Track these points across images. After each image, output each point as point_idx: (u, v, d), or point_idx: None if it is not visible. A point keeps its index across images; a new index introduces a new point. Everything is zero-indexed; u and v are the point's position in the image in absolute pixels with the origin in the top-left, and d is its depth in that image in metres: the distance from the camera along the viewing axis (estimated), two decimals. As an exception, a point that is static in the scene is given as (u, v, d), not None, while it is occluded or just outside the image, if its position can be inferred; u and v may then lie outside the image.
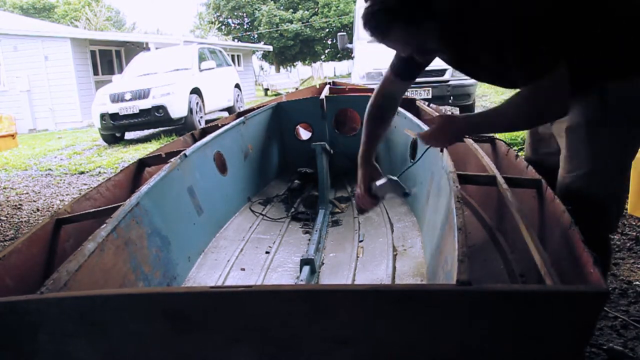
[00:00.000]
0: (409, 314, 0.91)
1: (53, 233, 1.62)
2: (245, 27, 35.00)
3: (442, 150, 1.69)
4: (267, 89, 22.40)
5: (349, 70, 29.80)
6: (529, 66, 1.22)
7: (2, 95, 13.31)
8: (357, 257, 2.28)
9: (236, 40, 30.31)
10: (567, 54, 1.25)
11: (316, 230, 2.55)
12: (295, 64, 36.26)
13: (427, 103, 3.10)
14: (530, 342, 0.89)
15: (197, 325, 0.97)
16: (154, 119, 8.22)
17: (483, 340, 0.91)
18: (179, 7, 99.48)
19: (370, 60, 6.52)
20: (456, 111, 6.74)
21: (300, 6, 32.81)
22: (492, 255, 1.66)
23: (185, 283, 1.99)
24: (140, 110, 8.15)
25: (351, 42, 9.12)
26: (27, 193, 5.11)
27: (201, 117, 8.85)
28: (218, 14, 34.41)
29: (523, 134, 3.83)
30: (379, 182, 1.59)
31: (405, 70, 1.61)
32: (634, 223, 2.76)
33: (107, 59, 15.25)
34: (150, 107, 8.12)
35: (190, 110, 8.37)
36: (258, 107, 3.66)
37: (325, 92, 4.11)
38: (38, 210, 4.39)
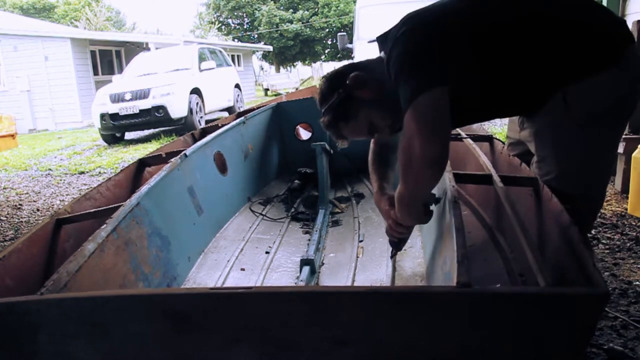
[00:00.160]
0: (409, 316, 0.91)
1: (53, 233, 1.62)
2: (245, 27, 34.99)
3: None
4: (267, 89, 22.41)
5: (349, 70, 29.61)
6: (407, 94, 1.24)
7: (2, 95, 13.31)
8: (357, 257, 2.28)
9: (236, 40, 30.31)
10: (525, 63, 1.30)
11: (316, 231, 2.55)
12: (295, 64, 36.25)
13: None
14: (531, 344, 0.89)
15: (197, 325, 0.97)
16: (154, 119, 8.21)
17: (483, 342, 0.91)
18: (179, 7, 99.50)
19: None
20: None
21: (300, 6, 32.79)
22: (492, 255, 1.66)
23: (185, 283, 1.99)
24: (140, 111, 8.15)
25: (351, 42, 9.13)
26: (27, 193, 5.11)
27: (201, 117, 8.85)
28: (218, 14, 34.40)
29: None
30: None
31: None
32: (634, 223, 2.76)
33: (107, 59, 15.26)
34: (150, 107, 8.12)
35: (190, 110, 8.37)
36: (258, 107, 3.66)
37: (325, 92, 4.10)
38: (38, 210, 4.39)
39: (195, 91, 8.70)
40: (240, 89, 11.30)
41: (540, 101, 1.36)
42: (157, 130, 9.00)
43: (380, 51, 1.47)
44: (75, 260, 1.31)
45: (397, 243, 1.68)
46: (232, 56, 18.17)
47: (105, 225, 1.54)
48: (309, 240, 2.51)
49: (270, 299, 0.96)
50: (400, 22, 1.36)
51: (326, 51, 35.07)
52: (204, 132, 2.99)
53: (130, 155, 6.92)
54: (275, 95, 16.61)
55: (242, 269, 2.23)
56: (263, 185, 3.28)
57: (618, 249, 2.45)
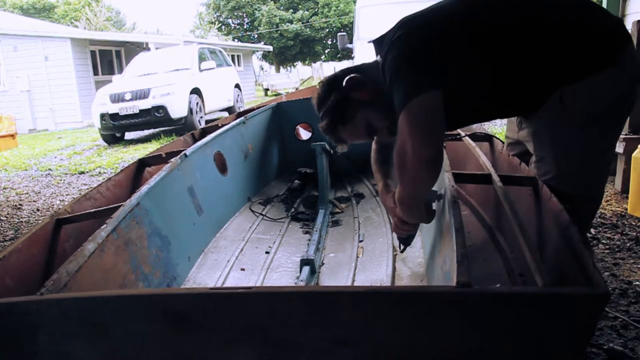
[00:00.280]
0: (409, 316, 0.91)
1: (53, 233, 1.62)
2: (245, 27, 34.99)
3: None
4: (267, 89, 22.41)
5: (349, 70, 29.62)
6: (400, 97, 1.25)
7: (2, 95, 13.32)
8: (357, 257, 2.28)
9: (236, 40, 30.30)
10: (523, 63, 1.31)
11: (316, 231, 2.55)
12: (295, 64, 36.25)
13: None
14: (531, 344, 0.89)
15: (197, 325, 0.97)
16: (154, 119, 8.21)
17: (483, 342, 0.91)
18: (179, 7, 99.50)
19: (370, 61, 6.50)
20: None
21: (300, 6, 32.79)
22: (492, 255, 1.66)
23: (185, 283, 1.99)
24: (140, 111, 8.15)
25: (351, 42, 9.12)
26: (27, 193, 5.11)
27: (201, 117, 8.85)
28: (218, 14, 34.40)
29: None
30: None
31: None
32: (634, 223, 2.76)
33: (107, 59, 15.26)
34: (150, 107, 8.12)
35: (190, 110, 8.37)
36: (258, 107, 3.66)
37: (325, 92, 4.10)
38: (38, 210, 4.39)
39: (195, 91, 8.70)
40: (240, 89, 11.30)
41: (537, 101, 1.37)
42: (157, 130, 8.99)
43: (376, 54, 1.48)
44: (75, 260, 1.31)
45: (406, 239, 1.72)
46: (232, 56, 18.17)
47: (105, 225, 1.54)
48: (309, 240, 2.51)
49: (270, 299, 0.96)
50: (396, 26, 1.36)
51: (326, 51, 35.07)
52: (204, 132, 2.99)
53: (130, 155, 6.92)
54: (275, 95, 16.61)
55: (242, 269, 2.23)
56: (263, 185, 3.28)
57: (618, 249, 2.45)
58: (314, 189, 3.14)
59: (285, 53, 33.22)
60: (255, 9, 32.92)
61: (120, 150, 7.57)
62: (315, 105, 1.56)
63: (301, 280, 2.05)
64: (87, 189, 3.26)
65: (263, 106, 3.66)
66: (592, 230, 2.65)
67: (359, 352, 0.95)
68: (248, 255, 2.36)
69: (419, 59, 1.28)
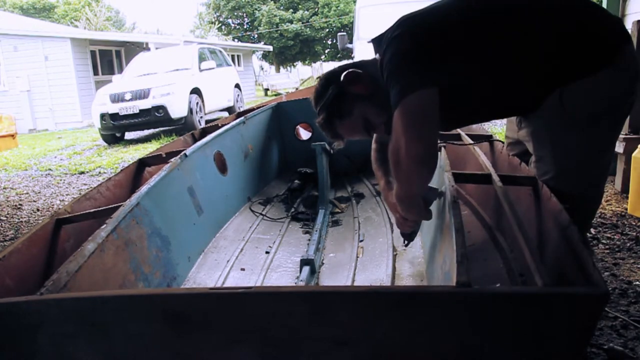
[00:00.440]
0: (409, 316, 0.91)
1: (53, 233, 1.62)
2: (245, 27, 34.98)
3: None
4: (267, 89, 22.41)
5: (349, 70, 29.57)
6: (395, 93, 1.25)
7: (2, 95, 13.31)
8: (357, 257, 2.28)
9: (236, 40, 30.29)
10: (521, 63, 1.31)
11: (316, 230, 2.55)
12: (295, 64, 36.23)
13: None
14: (531, 344, 0.89)
15: (197, 326, 0.97)
16: (154, 119, 8.21)
17: (483, 342, 0.91)
18: (179, 7, 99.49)
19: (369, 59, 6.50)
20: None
21: (300, 6, 32.78)
22: (492, 255, 1.66)
23: (185, 283, 1.99)
24: (140, 110, 8.14)
25: (351, 42, 9.13)
26: (27, 193, 5.11)
27: (201, 117, 8.85)
28: (218, 14, 34.39)
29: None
30: None
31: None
32: (634, 223, 2.76)
33: (107, 59, 15.25)
34: (150, 107, 8.12)
35: (190, 110, 8.37)
36: (258, 107, 3.66)
37: (326, 92, 4.10)
38: (38, 210, 4.39)
39: (195, 91, 8.70)
40: (240, 89, 11.30)
41: (536, 101, 1.37)
42: (157, 130, 8.99)
43: (375, 53, 1.48)
44: (75, 260, 1.31)
45: (409, 235, 1.71)
46: (232, 56, 18.17)
47: (105, 225, 1.54)
48: (309, 240, 2.51)
49: (270, 299, 0.96)
50: (395, 25, 1.36)
51: (326, 51, 35.06)
52: (204, 132, 2.99)
53: (130, 155, 6.91)
54: (275, 95, 16.61)
55: (242, 269, 2.23)
56: (263, 185, 3.28)
57: (618, 249, 2.45)
58: (314, 189, 3.14)
59: (285, 53, 33.22)
60: (255, 9, 32.91)
61: (120, 150, 7.57)
62: (313, 101, 1.55)
63: (301, 280, 2.05)
64: (87, 189, 3.26)
65: (263, 106, 3.66)
66: (592, 230, 2.65)
67: (359, 352, 0.95)
68: (248, 255, 2.36)
69: (417, 57, 1.28)
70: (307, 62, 35.47)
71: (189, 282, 2.02)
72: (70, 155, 7.43)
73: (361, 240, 2.45)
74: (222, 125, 2.98)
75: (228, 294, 0.97)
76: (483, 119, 1.63)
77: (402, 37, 1.31)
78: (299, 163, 3.44)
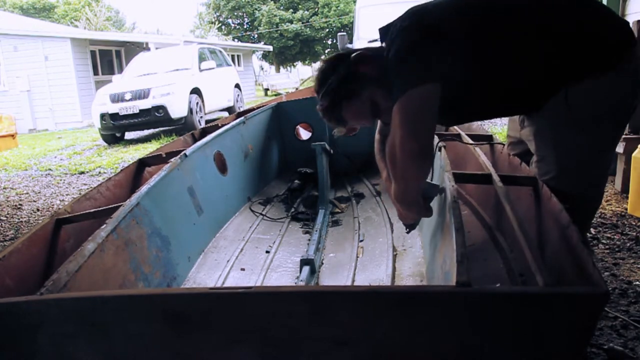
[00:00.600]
0: (409, 315, 0.91)
1: (53, 233, 1.62)
2: (245, 27, 34.96)
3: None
4: (267, 89, 22.40)
5: (349, 70, 29.55)
6: (398, 85, 1.25)
7: (2, 95, 13.31)
8: (357, 257, 2.28)
9: (236, 40, 30.28)
10: (527, 61, 1.31)
11: (316, 230, 2.55)
12: (295, 64, 36.22)
13: None
14: (531, 344, 0.89)
15: (197, 326, 0.97)
16: (154, 119, 8.21)
17: (483, 342, 0.91)
18: (179, 7, 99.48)
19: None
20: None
21: (300, 6, 32.77)
22: (492, 255, 1.66)
23: (185, 283, 1.99)
24: (140, 110, 8.14)
25: (351, 42, 9.12)
26: (27, 193, 5.10)
27: (201, 117, 8.85)
28: (218, 14, 34.37)
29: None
30: None
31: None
32: (634, 223, 2.76)
33: (107, 59, 15.25)
34: (150, 107, 8.12)
35: (190, 110, 8.37)
36: (258, 107, 3.66)
37: (325, 92, 4.10)
38: (38, 210, 4.39)
39: (195, 91, 8.70)
40: (240, 89, 11.29)
41: (541, 100, 1.37)
42: (157, 130, 8.99)
43: (381, 42, 1.46)
44: (75, 260, 1.31)
45: (411, 224, 1.71)
46: (232, 56, 18.17)
47: (105, 225, 1.54)
48: (309, 240, 2.51)
49: (270, 299, 0.96)
50: (404, 15, 1.35)
51: (326, 51, 35.01)
52: (204, 132, 2.99)
53: (130, 155, 6.91)
54: (275, 95, 16.60)
55: (242, 269, 2.23)
56: (263, 185, 3.28)
57: (618, 249, 2.45)
58: (314, 189, 3.14)
59: (285, 53, 33.21)
60: (255, 9, 32.90)
61: (120, 150, 7.57)
62: (317, 81, 1.49)
63: (301, 280, 2.05)
64: (87, 189, 3.26)
65: (263, 106, 3.66)
66: (592, 230, 2.65)
67: (359, 352, 0.95)
68: (248, 255, 2.36)
69: (422, 51, 1.27)
70: (307, 62, 35.47)
71: (189, 282, 2.02)
72: (70, 155, 7.43)
73: (361, 240, 2.45)
74: (222, 125, 2.98)
75: (228, 294, 0.97)
76: (484, 117, 1.63)
77: (409, 30, 1.30)
78: (299, 163, 3.44)
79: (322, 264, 2.29)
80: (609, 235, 2.62)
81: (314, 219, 2.77)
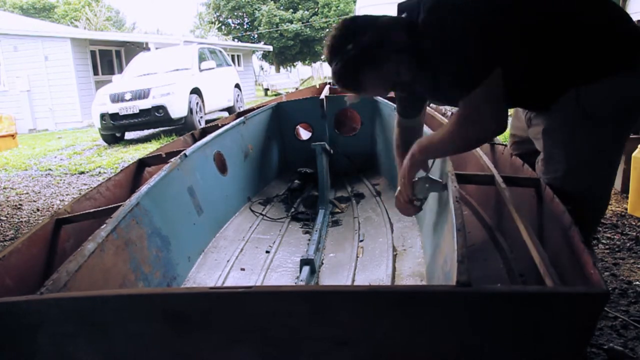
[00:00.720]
0: (409, 315, 0.91)
1: (53, 233, 1.62)
2: (245, 27, 34.97)
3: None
4: (267, 89, 22.40)
5: (349, 70, 29.56)
6: (459, 79, 1.29)
7: (2, 95, 13.31)
8: (357, 257, 2.28)
9: (236, 40, 30.29)
10: (541, 59, 1.32)
11: (316, 230, 2.55)
12: (295, 64, 36.23)
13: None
14: (531, 343, 0.89)
15: (197, 325, 0.97)
16: (154, 119, 8.21)
17: (483, 342, 0.91)
18: (179, 7, 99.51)
19: None
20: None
21: (300, 6, 32.78)
22: (492, 255, 1.66)
23: (185, 283, 1.99)
24: (140, 110, 8.14)
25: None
26: (27, 193, 5.11)
27: (201, 117, 8.85)
28: (218, 14, 34.38)
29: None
30: (418, 186, 1.60)
31: (408, 109, 1.72)
32: (634, 223, 2.76)
33: (107, 59, 15.25)
34: (150, 107, 8.12)
35: (190, 110, 8.37)
36: (258, 107, 3.66)
37: (326, 92, 4.12)
38: (38, 210, 4.39)
39: (195, 91, 8.70)
40: (240, 89, 11.29)
41: (552, 98, 1.36)
42: (157, 130, 8.99)
43: (399, 13, 1.43)
44: (75, 260, 1.31)
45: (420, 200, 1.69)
46: (232, 56, 18.17)
47: (105, 225, 1.54)
48: (309, 240, 2.51)
49: (270, 299, 0.96)
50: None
51: (326, 51, 34.97)
52: (204, 132, 2.99)
53: (130, 155, 6.91)
54: (275, 95, 16.61)
55: (242, 269, 2.23)
56: (263, 185, 3.28)
57: (618, 249, 2.45)
58: (314, 189, 3.14)
59: (285, 53, 33.21)
60: (255, 9, 32.91)
61: (120, 150, 7.57)
62: (333, 42, 1.37)
63: (301, 280, 2.05)
64: (87, 189, 3.26)
65: (263, 106, 3.66)
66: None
67: (359, 352, 0.95)
68: (248, 255, 2.36)
69: (478, 41, 1.27)
70: (307, 62, 35.47)
71: (189, 282, 2.02)
72: (70, 155, 7.43)
73: (361, 240, 2.45)
74: (222, 125, 2.98)
75: (228, 293, 0.97)
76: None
77: (465, 10, 1.30)
78: (299, 163, 3.44)
79: (322, 264, 2.29)
80: (609, 235, 2.62)
81: (314, 219, 2.77)
